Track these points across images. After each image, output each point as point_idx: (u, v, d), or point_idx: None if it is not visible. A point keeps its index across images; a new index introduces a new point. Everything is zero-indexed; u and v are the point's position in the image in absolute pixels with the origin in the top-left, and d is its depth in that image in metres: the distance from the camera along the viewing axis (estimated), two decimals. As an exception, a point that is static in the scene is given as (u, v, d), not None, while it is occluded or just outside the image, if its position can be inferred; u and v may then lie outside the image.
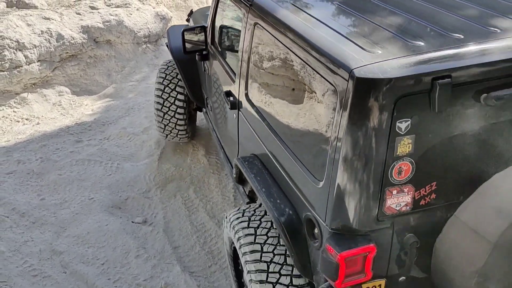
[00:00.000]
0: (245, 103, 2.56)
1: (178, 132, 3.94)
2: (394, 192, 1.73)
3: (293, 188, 2.08)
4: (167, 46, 3.89)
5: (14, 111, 5.04)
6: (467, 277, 1.67)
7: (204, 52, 3.31)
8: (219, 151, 3.26)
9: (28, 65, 5.33)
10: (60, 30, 5.72)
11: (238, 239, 2.26)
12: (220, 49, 3.10)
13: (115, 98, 5.59)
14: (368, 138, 1.63)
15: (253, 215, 2.33)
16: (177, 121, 3.86)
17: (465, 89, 1.64)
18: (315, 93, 1.87)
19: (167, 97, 3.81)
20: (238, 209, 2.42)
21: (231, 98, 2.71)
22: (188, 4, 9.24)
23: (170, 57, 3.97)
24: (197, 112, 4.22)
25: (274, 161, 2.26)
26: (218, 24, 3.15)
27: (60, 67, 5.71)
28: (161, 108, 3.84)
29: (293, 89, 2.06)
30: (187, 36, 3.21)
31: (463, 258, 1.69)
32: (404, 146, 1.67)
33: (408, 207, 1.77)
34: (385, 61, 1.63)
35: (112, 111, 5.18)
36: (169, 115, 3.84)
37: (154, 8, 7.25)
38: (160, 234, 3.29)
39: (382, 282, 1.89)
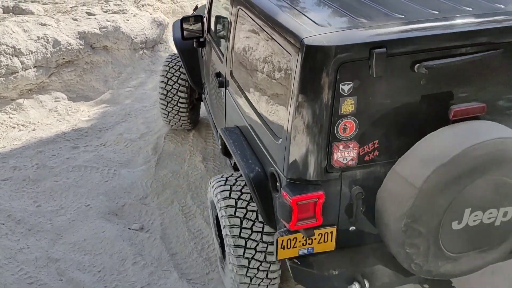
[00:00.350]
0: (230, 80, 2.88)
1: (180, 118, 4.30)
2: (341, 147, 2.03)
3: (261, 148, 2.40)
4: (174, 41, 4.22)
5: (10, 117, 5.02)
6: (398, 219, 1.95)
7: (201, 40, 3.67)
8: (214, 132, 3.54)
9: (24, 71, 5.32)
10: (56, 36, 5.71)
11: (216, 195, 2.55)
12: (214, 36, 3.41)
13: (111, 104, 5.57)
14: (315, 98, 1.93)
15: (232, 179, 2.62)
16: (179, 109, 4.22)
17: (401, 59, 1.93)
18: (278, 62, 2.17)
19: (171, 88, 4.14)
20: (222, 176, 2.70)
21: (220, 78, 3.04)
22: (185, 10, 9.25)
23: (171, 53, 4.45)
24: (200, 102, 4.53)
25: (249, 128, 2.58)
26: (213, 14, 3.48)
27: (57, 73, 5.70)
28: (165, 97, 4.18)
29: (263, 61, 2.37)
30: (186, 25, 3.54)
31: (395, 203, 1.97)
32: (347, 106, 1.96)
33: (354, 162, 2.07)
34: (331, 32, 1.96)
35: (108, 117, 5.16)
36: (172, 103, 4.19)
37: (151, 14, 7.26)
38: (157, 241, 3.27)
39: (333, 229, 2.18)
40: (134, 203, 3.68)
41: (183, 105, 4.20)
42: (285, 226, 2.14)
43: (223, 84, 3.01)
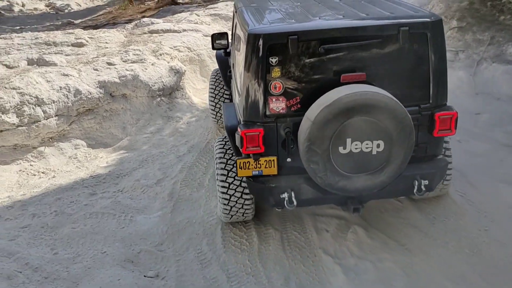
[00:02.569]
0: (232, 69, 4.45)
1: None
2: (274, 100, 3.18)
3: (236, 107, 3.66)
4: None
5: (31, 165, 5.13)
6: (303, 143, 3.01)
7: (228, 50, 5.18)
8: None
9: (46, 119, 5.48)
10: (78, 85, 5.91)
11: (215, 153, 3.79)
12: (234, 46, 4.58)
13: (129, 150, 5.66)
14: (256, 67, 3.11)
15: (227, 144, 3.78)
16: None
17: (308, 43, 3.10)
18: (241, 45, 3.46)
19: (217, 93, 5.52)
20: (222, 139, 3.88)
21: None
22: (202, 58, 9.52)
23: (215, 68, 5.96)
24: None
25: (233, 93, 4.11)
26: (235, 30, 4.61)
27: (77, 121, 5.85)
28: (213, 99, 5.58)
29: (240, 48, 3.64)
30: (216, 39, 5.00)
31: (302, 133, 3.03)
32: (275, 72, 3.13)
33: (284, 111, 3.21)
34: (264, 26, 3.25)
35: (126, 163, 5.23)
36: (219, 105, 5.50)
37: (168, 62, 7.48)
38: (172, 289, 3.23)
39: (274, 158, 3.28)
40: (150, 249, 3.66)
41: None
42: (240, 154, 3.37)
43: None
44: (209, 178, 4.68)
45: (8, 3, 19.36)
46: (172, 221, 3.98)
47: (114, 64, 6.76)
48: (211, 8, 13.08)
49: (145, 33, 9.81)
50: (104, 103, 6.13)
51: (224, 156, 3.71)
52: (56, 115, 5.60)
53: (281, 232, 3.76)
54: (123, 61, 6.98)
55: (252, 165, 3.30)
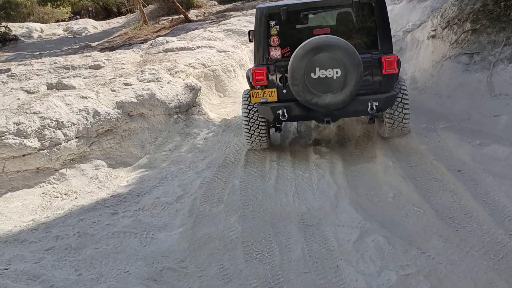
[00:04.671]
0: None
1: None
2: (273, 49, 5.23)
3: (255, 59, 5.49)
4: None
5: (53, 187, 5.23)
6: (289, 72, 4.80)
7: None
8: None
9: (67, 142, 5.60)
10: (96, 107, 6.04)
11: (242, 100, 5.65)
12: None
13: (148, 169, 5.74)
14: (261, 28, 5.22)
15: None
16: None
17: (294, 12, 5.24)
18: (255, 20, 5.36)
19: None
20: (247, 91, 5.63)
21: None
22: (216, 73, 9.62)
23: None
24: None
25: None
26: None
27: (97, 142, 5.97)
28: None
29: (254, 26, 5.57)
30: (250, 35, 6.05)
31: (289, 66, 4.80)
32: (274, 30, 5.20)
33: (279, 57, 5.23)
34: (266, 4, 5.27)
35: (146, 181, 5.30)
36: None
37: (183, 80, 7.59)
38: (195, 305, 3.23)
39: (275, 89, 5.17)
40: (172, 267, 3.68)
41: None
42: (253, 87, 5.25)
43: None
44: (228, 193, 4.70)
45: (28, 29, 19.97)
46: (193, 237, 4.01)
47: (131, 84, 6.88)
48: (224, 24, 13.25)
49: (160, 52, 9.98)
50: (122, 123, 6.24)
51: (246, 100, 5.53)
52: (76, 137, 5.72)
53: (302, 243, 3.74)
54: (140, 81, 7.10)
55: (260, 94, 5.20)
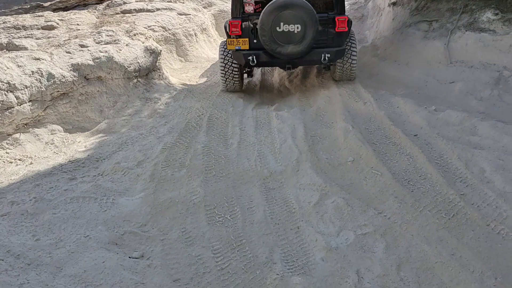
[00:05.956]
0: None
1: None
2: (247, 5, 6.16)
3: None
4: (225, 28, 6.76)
5: (6, 152, 5.03)
6: (258, 24, 5.85)
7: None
8: None
9: (20, 105, 5.35)
10: (50, 69, 5.77)
11: (219, 47, 6.75)
12: None
13: (108, 134, 5.60)
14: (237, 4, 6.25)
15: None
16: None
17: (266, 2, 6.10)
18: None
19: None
20: (224, 41, 6.58)
21: None
22: (177, 37, 9.37)
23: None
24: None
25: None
26: None
27: (52, 106, 5.74)
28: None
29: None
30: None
31: (259, 20, 5.84)
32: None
33: (252, 11, 6.15)
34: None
35: (105, 146, 5.18)
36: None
37: (143, 43, 7.35)
38: (158, 268, 3.24)
39: (247, 39, 6.14)
40: (134, 231, 3.66)
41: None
42: (229, 36, 6.17)
43: None
44: (190, 158, 4.68)
45: (-28, -13, 18.62)
46: (155, 201, 3.98)
47: (87, 46, 6.61)
48: (184, -15, 12.77)
49: (117, 13, 9.59)
50: (79, 87, 6.01)
51: (223, 47, 6.52)
52: (29, 101, 5.47)
53: (264, 206, 3.80)
54: (96, 43, 6.83)
55: (235, 43, 6.14)
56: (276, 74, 8.06)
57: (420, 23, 7.45)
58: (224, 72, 6.56)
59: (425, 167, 4.16)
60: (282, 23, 5.75)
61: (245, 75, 7.10)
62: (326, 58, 6.11)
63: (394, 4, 8.68)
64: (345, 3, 10.35)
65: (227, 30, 6.17)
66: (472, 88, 6.02)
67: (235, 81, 6.63)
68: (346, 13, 6.32)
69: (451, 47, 6.67)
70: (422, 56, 7.05)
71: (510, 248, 3.13)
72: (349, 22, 6.15)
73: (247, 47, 6.14)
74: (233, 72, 6.52)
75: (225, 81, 6.64)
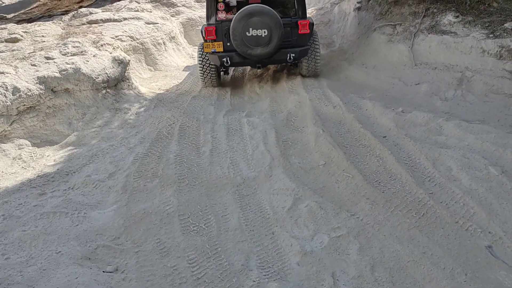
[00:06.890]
0: None
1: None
2: (220, 13, 7.04)
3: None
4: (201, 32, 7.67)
5: (-28, 170, 4.88)
6: (230, 30, 6.69)
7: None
8: None
9: (-16, 121, 5.21)
10: (15, 83, 5.65)
11: (198, 47, 7.74)
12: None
13: (77, 146, 5.50)
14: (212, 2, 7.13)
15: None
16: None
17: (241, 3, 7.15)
18: None
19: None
20: (201, 44, 7.58)
21: None
22: (146, 46, 9.31)
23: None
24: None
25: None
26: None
27: (18, 120, 5.61)
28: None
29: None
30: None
31: (231, 26, 6.68)
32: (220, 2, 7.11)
33: (225, 18, 7.02)
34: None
35: (75, 159, 5.09)
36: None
37: (111, 53, 7.27)
38: (133, 281, 3.20)
39: (221, 43, 6.99)
40: (107, 244, 3.60)
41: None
42: (206, 40, 7.05)
43: None
44: (162, 168, 4.64)
45: None
46: (128, 213, 3.93)
47: (53, 58, 6.49)
48: (151, -6, 12.71)
49: (83, 24, 9.46)
50: (46, 100, 5.90)
51: (201, 50, 7.34)
52: (-6, 116, 5.33)
53: (238, 213, 3.81)
54: (63, 55, 6.72)
55: (210, 46, 6.96)
56: (247, 80, 8.10)
57: (384, 27, 7.64)
58: (202, 72, 7.46)
59: (395, 168, 4.26)
60: (251, 29, 6.57)
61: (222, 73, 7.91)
62: (292, 57, 6.94)
63: (359, 9, 8.87)
64: (312, 8, 10.91)
65: (203, 34, 7.00)
66: (436, 89, 6.20)
67: (212, 78, 7.53)
68: (309, 17, 7.13)
69: (415, 49, 6.86)
70: (388, 59, 7.23)
71: (479, 244, 3.23)
72: (311, 25, 6.97)
73: (221, 49, 6.97)
74: (210, 71, 7.42)
75: (204, 79, 7.54)
